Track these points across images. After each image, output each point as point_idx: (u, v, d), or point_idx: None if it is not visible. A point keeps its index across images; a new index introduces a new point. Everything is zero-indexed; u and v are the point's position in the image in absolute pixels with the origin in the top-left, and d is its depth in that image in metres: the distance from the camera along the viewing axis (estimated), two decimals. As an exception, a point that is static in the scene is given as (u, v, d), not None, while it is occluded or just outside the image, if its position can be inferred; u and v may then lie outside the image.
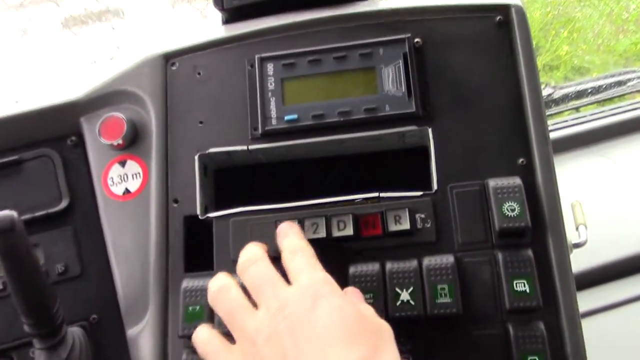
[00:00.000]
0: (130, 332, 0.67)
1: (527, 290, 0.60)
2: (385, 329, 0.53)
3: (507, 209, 0.61)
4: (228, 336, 0.56)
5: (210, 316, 0.62)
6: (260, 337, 0.51)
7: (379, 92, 0.68)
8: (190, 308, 0.63)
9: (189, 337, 0.63)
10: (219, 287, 0.57)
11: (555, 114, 1.42)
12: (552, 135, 1.30)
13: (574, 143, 1.30)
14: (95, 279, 0.70)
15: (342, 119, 0.68)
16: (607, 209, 1.08)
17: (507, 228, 0.61)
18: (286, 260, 0.58)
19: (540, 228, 0.63)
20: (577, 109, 1.45)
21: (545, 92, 1.48)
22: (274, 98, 0.69)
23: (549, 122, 1.37)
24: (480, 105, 0.67)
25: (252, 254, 0.59)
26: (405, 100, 0.67)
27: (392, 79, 0.68)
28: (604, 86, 1.47)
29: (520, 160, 0.65)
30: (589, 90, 1.46)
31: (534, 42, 0.64)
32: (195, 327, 0.62)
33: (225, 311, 0.56)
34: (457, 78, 0.68)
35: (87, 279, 0.70)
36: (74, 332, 0.66)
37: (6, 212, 0.56)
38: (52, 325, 0.61)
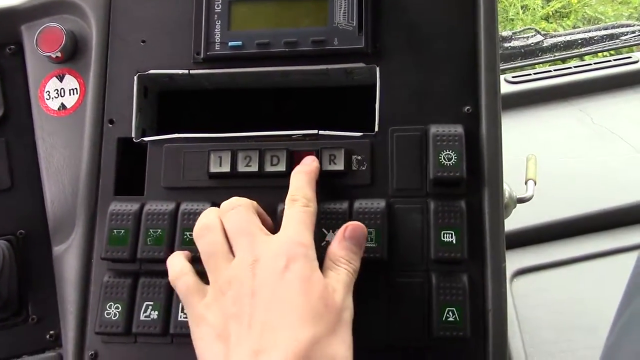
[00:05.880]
0: (57, 249, 0.67)
1: (454, 242, 0.58)
2: (347, 311, 0.52)
3: (443, 158, 0.59)
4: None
5: (134, 241, 0.62)
6: (228, 290, 0.51)
7: (329, 24, 0.65)
8: (115, 231, 0.62)
9: (112, 259, 0.62)
10: (205, 225, 0.56)
11: (541, 63, 1.37)
12: (533, 86, 1.27)
13: (555, 95, 1.27)
14: (25, 194, 0.69)
15: (287, 50, 0.65)
16: (573, 166, 1.06)
17: (441, 177, 0.59)
18: (286, 203, 0.57)
19: (477, 180, 0.61)
20: (564, 59, 1.40)
21: (534, 39, 1.43)
22: (219, 22, 0.66)
23: (532, 71, 1.33)
24: (432, 48, 0.64)
25: (234, 200, 0.57)
26: (355, 35, 0.64)
27: (343, 11, 0.65)
28: (596, 38, 1.42)
29: (466, 108, 0.63)
30: (579, 41, 1.41)
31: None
32: (119, 251, 0.61)
33: (204, 251, 0.55)
34: (413, 18, 0.65)
35: (16, 192, 0.69)
36: (-1, 244, 0.65)
37: None
38: (-29, 237, 0.60)
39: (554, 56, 1.40)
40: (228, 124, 0.66)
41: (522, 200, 0.72)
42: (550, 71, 1.28)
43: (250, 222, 0.55)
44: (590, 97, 1.25)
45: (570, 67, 1.30)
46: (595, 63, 1.30)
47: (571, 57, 1.45)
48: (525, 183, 0.77)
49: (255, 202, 0.58)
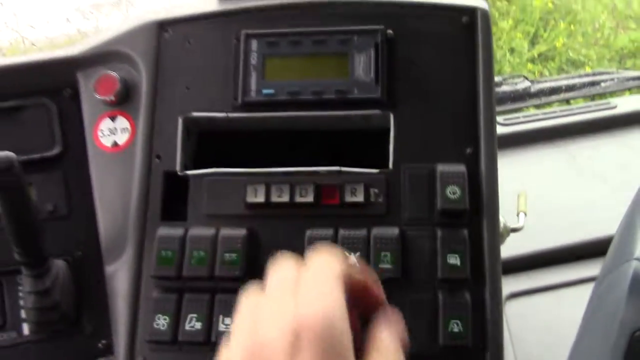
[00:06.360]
0: (109, 268, 0.76)
1: (458, 264, 0.68)
2: None
3: (449, 192, 0.70)
4: None
5: (179, 261, 0.71)
6: None
7: (350, 76, 0.75)
8: (163, 252, 0.71)
9: (160, 277, 0.71)
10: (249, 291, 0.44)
11: (529, 106, 1.50)
12: (522, 128, 1.38)
13: (542, 137, 1.38)
14: (80, 220, 0.78)
15: (314, 98, 0.75)
16: (558, 201, 1.17)
17: (448, 209, 0.69)
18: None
19: (478, 212, 0.71)
20: (550, 104, 1.52)
21: (522, 85, 1.56)
22: (255, 72, 0.77)
23: (521, 114, 1.45)
24: (438, 97, 0.75)
25: (319, 256, 0.43)
26: (372, 86, 0.75)
27: (362, 65, 0.75)
28: (578, 85, 1.55)
29: (468, 150, 0.73)
30: (564, 87, 1.54)
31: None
32: (166, 270, 0.71)
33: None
34: (422, 70, 0.76)
35: (73, 219, 0.78)
36: (59, 265, 0.74)
37: (5, 153, 0.63)
38: (38, 256, 0.69)
39: (541, 100, 1.52)
40: (259, 161, 0.76)
41: (514, 230, 0.82)
42: (537, 115, 1.40)
43: (281, 290, 0.41)
44: (573, 140, 1.37)
45: (556, 112, 1.42)
46: (577, 108, 1.42)
47: (556, 102, 1.57)
48: (517, 215, 0.88)
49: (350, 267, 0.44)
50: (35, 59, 0.82)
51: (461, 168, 0.71)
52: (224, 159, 0.76)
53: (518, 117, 1.40)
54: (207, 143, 0.81)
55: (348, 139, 0.80)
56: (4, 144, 0.77)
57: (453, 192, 0.70)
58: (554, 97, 1.53)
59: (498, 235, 0.71)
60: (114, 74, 0.78)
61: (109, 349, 0.74)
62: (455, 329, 0.67)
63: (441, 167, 0.71)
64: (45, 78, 0.82)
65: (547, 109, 1.46)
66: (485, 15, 0.76)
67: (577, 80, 1.56)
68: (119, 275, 0.74)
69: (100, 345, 0.75)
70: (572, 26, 4.34)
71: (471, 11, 0.76)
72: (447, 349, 0.67)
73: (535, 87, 1.54)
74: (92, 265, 0.77)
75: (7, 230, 0.66)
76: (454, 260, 0.69)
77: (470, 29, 0.76)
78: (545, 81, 1.56)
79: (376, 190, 0.73)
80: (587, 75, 1.57)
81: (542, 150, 1.34)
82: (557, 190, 1.21)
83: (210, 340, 0.69)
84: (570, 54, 4.23)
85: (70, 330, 0.75)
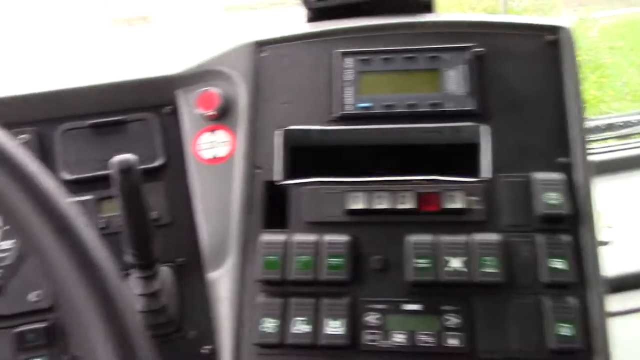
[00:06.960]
0: (211, 275, 0.77)
1: (564, 268, 0.69)
2: None
3: (549, 198, 0.71)
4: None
5: (284, 266, 0.72)
6: None
7: (441, 90, 0.78)
8: (268, 257, 0.73)
9: (266, 281, 0.73)
10: None
11: (602, 139, 1.52)
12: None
13: (618, 166, 1.41)
14: (182, 228, 0.81)
15: (409, 110, 0.78)
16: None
17: (549, 214, 0.70)
18: None
19: (576, 218, 0.72)
20: (621, 137, 1.54)
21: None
22: (350, 88, 0.80)
23: (596, 144, 1.48)
24: (529, 110, 0.77)
25: None
26: (464, 99, 0.78)
27: (453, 80, 0.78)
28: (633, 122, 1.56)
29: (561, 159, 0.75)
30: (619, 124, 1.56)
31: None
32: (272, 274, 0.72)
33: None
34: (511, 85, 0.78)
35: (176, 227, 0.81)
36: (164, 270, 0.76)
37: (127, 155, 0.66)
38: (150, 259, 0.71)
39: (596, 136, 1.53)
40: (353, 172, 0.78)
41: (603, 243, 0.83)
42: (610, 146, 1.43)
43: None
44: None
45: (630, 143, 1.45)
46: (635, 142, 1.45)
47: (611, 138, 1.58)
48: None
49: None
50: (137, 78, 0.86)
51: (560, 175, 0.72)
52: (319, 170, 0.79)
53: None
54: (303, 154, 0.84)
55: (439, 151, 0.82)
56: (110, 155, 0.81)
57: (554, 198, 0.71)
58: (608, 133, 1.54)
59: (598, 241, 0.72)
60: (215, 89, 0.82)
61: (213, 354, 0.75)
62: (565, 333, 0.67)
63: (536, 175, 0.73)
64: (147, 95, 0.86)
65: (619, 141, 1.49)
66: (569, 33, 0.79)
67: (631, 118, 1.58)
68: (222, 282, 0.76)
69: (203, 350, 0.75)
70: (601, 79, 4.38)
71: (555, 29, 0.79)
72: (557, 353, 0.67)
73: (589, 124, 1.56)
74: (193, 271, 0.79)
75: (124, 230, 0.69)
76: (559, 264, 0.69)
77: (555, 46, 0.79)
78: (600, 118, 1.58)
79: (475, 198, 0.74)
80: (640, 113, 1.59)
81: (623, 179, 1.37)
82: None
83: (317, 343, 0.69)
84: (602, 108, 4.25)
85: (175, 335, 0.76)
